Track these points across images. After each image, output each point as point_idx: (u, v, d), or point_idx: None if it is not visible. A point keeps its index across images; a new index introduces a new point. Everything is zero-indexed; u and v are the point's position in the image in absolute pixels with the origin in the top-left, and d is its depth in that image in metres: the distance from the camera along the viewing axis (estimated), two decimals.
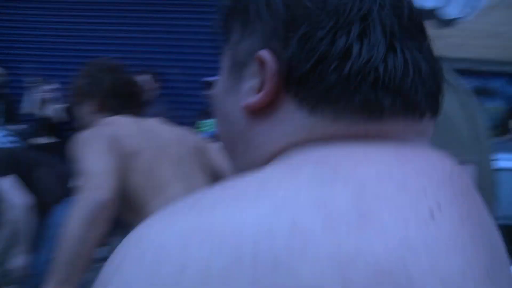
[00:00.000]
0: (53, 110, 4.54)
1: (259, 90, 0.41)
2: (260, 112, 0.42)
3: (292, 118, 0.40)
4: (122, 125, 1.45)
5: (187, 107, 4.79)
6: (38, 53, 5.75)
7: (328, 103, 0.39)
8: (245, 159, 0.45)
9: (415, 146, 0.41)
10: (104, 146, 1.28)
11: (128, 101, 1.57)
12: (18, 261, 2.36)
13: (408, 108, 0.40)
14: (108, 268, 0.33)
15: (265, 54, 0.41)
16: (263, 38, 0.42)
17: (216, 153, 1.64)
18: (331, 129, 0.40)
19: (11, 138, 3.29)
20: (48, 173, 2.48)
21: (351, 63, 0.38)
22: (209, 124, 4.26)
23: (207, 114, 4.28)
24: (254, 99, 0.41)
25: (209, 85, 4.26)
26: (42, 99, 4.65)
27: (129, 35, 5.70)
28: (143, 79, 4.32)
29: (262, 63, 0.41)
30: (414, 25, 0.42)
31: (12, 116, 4.51)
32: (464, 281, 0.33)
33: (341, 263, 0.29)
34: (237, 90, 0.44)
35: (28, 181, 2.39)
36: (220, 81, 0.48)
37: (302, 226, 0.31)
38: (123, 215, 1.33)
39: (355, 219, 0.32)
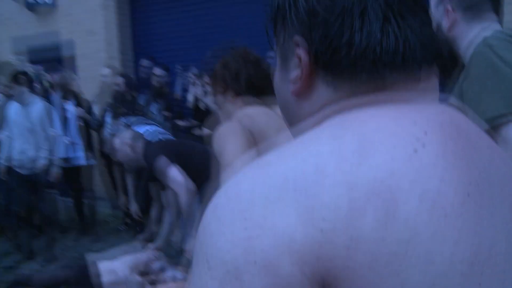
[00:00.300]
0: (195, 96, 5.12)
1: (300, 78, 0.57)
2: (302, 94, 0.58)
3: (323, 96, 0.57)
4: (258, 118, 1.57)
5: None
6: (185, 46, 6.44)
7: (344, 82, 0.55)
8: (296, 126, 0.61)
9: (416, 104, 0.54)
10: (243, 140, 1.43)
11: (262, 93, 1.65)
12: (185, 242, 2.66)
13: (404, 75, 0.54)
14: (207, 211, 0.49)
15: (300, 51, 0.56)
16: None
17: None
18: (350, 101, 0.55)
19: (162, 131, 3.66)
20: (199, 159, 2.77)
21: (354, 49, 0.53)
22: None
23: None
24: (297, 85, 0.58)
25: None
26: (187, 86, 5.29)
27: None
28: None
29: (299, 58, 0.56)
30: (409, 2, 0.55)
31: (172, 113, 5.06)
32: (439, 196, 0.46)
33: (347, 188, 0.45)
34: (287, 79, 0.60)
35: (186, 168, 2.70)
36: (276, 72, 0.64)
37: (322, 167, 0.47)
38: None
39: (356, 159, 0.47)
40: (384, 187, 0.45)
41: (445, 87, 1.58)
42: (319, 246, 0.42)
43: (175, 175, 2.67)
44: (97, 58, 6.96)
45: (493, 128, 1.20)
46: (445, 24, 1.47)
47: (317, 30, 0.54)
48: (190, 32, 6.58)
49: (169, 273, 1.37)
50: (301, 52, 0.56)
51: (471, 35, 1.40)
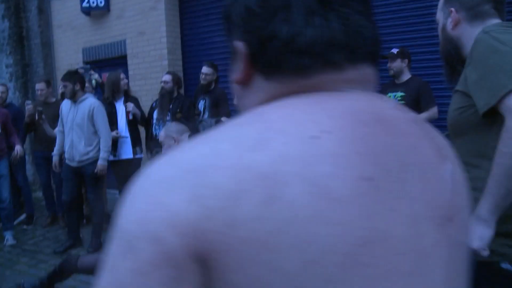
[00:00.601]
0: None
1: (241, 70, 0.61)
2: (245, 84, 0.62)
3: (260, 86, 0.61)
4: None
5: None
6: None
7: (275, 73, 0.59)
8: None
9: (337, 93, 0.57)
10: None
11: None
12: None
13: (326, 65, 0.57)
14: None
15: (238, 44, 0.61)
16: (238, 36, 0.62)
17: None
18: (280, 90, 0.59)
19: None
20: None
21: (280, 42, 0.56)
22: (390, 97, 4.26)
23: (387, 86, 4.41)
24: (237, 76, 0.62)
25: (393, 56, 4.32)
26: None
27: None
28: None
29: (238, 51, 0.61)
30: None
31: (217, 111, 5.20)
32: (330, 180, 0.48)
33: (236, 170, 0.48)
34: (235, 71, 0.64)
35: None
36: (232, 65, 0.66)
37: (218, 151, 0.50)
38: None
39: (252, 145, 0.49)
40: (272, 171, 0.47)
41: (453, 82, 1.62)
42: (201, 221, 0.46)
43: None
44: (146, 57, 7.29)
45: (500, 102, 1.25)
46: (449, 24, 1.58)
47: (250, 24, 0.59)
48: None
49: None
50: (240, 45, 0.60)
51: (474, 35, 1.45)
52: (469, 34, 1.51)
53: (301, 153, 0.49)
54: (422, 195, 0.55)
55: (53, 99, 6.26)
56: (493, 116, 1.30)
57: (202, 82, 5.42)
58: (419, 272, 0.53)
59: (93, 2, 7.67)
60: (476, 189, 1.29)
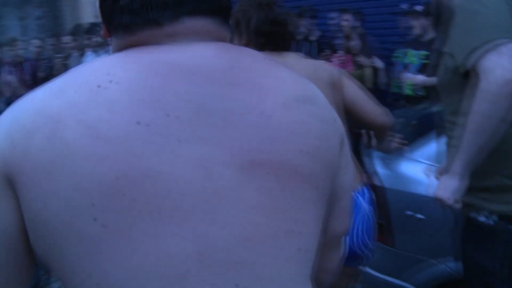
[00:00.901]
0: None
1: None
2: (107, 37, 0.70)
3: (114, 41, 0.68)
4: None
5: (385, 37, 5.00)
6: None
7: (112, 31, 0.67)
8: None
9: (153, 47, 0.64)
10: None
11: (272, 40, 1.62)
12: None
13: (146, 23, 0.63)
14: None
15: (98, 13, 0.69)
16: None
17: (350, 88, 1.77)
18: (118, 45, 0.66)
19: None
20: None
21: (109, 3, 0.64)
22: (412, 55, 4.21)
23: (410, 44, 4.36)
24: (102, 31, 0.71)
25: (408, 13, 4.39)
26: None
27: None
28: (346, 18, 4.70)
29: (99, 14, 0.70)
30: None
31: None
32: (101, 123, 0.56)
33: (35, 113, 0.59)
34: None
35: None
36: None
37: (36, 96, 0.62)
38: None
39: (54, 93, 0.60)
40: (57, 114, 0.57)
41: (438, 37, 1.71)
42: (8, 152, 0.58)
43: None
44: None
45: (475, 64, 1.27)
46: None
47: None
48: None
49: None
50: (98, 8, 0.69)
51: None
52: None
53: (85, 100, 0.58)
54: (221, 140, 0.60)
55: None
56: (474, 77, 1.30)
57: None
58: (208, 211, 0.58)
59: None
60: (457, 146, 1.36)
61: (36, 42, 6.61)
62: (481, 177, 1.38)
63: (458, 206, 1.38)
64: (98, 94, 0.58)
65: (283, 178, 0.62)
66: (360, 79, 3.53)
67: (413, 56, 4.21)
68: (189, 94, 0.60)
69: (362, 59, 4.53)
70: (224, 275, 0.59)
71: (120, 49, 0.66)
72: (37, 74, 5.93)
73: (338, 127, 0.72)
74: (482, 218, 1.42)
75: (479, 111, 1.26)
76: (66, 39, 6.26)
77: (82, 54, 5.69)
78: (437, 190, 1.40)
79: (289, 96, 0.65)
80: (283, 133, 0.63)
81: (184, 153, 0.58)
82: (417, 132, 2.66)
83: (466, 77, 1.33)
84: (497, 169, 1.38)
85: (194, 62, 0.63)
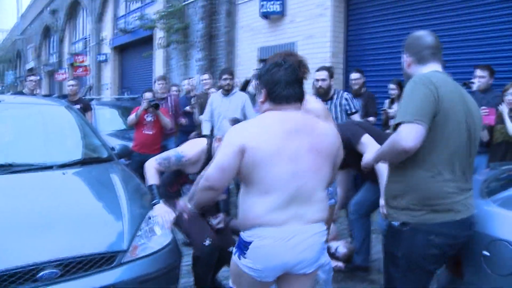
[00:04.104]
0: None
1: (262, 99, 2.22)
2: (263, 103, 2.21)
3: (267, 105, 2.18)
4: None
5: None
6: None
7: (272, 103, 2.17)
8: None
9: (292, 112, 2.15)
10: None
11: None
12: None
13: (286, 103, 2.15)
14: None
15: (263, 91, 2.20)
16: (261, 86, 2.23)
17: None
18: (270, 108, 2.18)
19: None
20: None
21: (276, 95, 2.15)
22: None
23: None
24: (261, 99, 2.22)
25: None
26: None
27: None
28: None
29: (263, 92, 2.20)
30: (296, 78, 2.17)
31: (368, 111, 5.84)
32: (274, 137, 2.05)
33: (243, 138, 2.06)
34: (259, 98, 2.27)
35: None
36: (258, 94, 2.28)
37: (246, 126, 2.19)
38: None
39: (253, 127, 2.13)
40: (256, 137, 2.05)
41: None
42: (243, 143, 2.05)
43: None
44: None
45: (397, 124, 2.09)
46: (405, 64, 2.37)
47: (265, 85, 2.17)
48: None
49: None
50: (263, 91, 2.18)
51: (419, 73, 2.25)
52: (417, 71, 2.28)
53: (263, 131, 2.06)
54: (303, 139, 2.09)
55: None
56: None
57: (353, 87, 5.90)
58: (297, 161, 2.06)
59: (270, 8, 8.63)
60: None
61: (186, 81, 7.70)
62: (397, 201, 2.25)
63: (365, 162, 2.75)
64: (268, 129, 2.08)
65: (320, 155, 2.14)
66: None
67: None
68: (295, 124, 2.10)
69: None
70: (304, 178, 2.08)
71: (269, 109, 2.16)
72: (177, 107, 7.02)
73: (338, 140, 2.25)
74: (395, 223, 2.27)
75: (386, 148, 2.17)
76: (205, 76, 7.22)
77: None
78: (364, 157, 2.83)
79: (322, 130, 2.18)
80: (324, 139, 2.16)
81: (294, 143, 2.07)
82: None
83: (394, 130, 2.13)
84: (405, 196, 2.21)
85: (294, 116, 2.13)
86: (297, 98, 2.16)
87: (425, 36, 2.31)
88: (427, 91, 2.06)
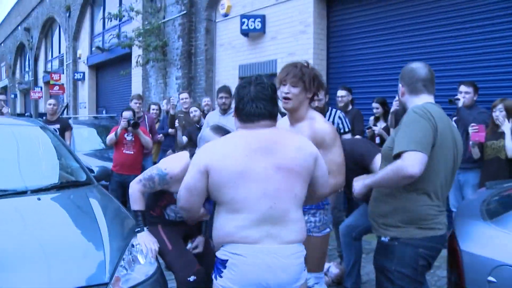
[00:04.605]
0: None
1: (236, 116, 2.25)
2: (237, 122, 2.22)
3: (237, 123, 2.19)
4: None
5: None
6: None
7: (243, 121, 2.15)
8: None
9: (260, 130, 2.11)
10: None
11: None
12: None
13: (257, 120, 2.12)
14: None
15: (234, 107, 2.22)
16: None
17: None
18: (241, 126, 2.17)
19: None
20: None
21: (244, 112, 2.13)
22: None
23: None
24: (234, 115, 2.24)
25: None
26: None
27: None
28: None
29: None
30: (265, 94, 2.13)
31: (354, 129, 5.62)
32: (233, 153, 2.05)
33: (208, 158, 2.09)
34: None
35: None
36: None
37: (212, 146, 2.19)
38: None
39: (218, 147, 2.13)
40: (221, 157, 2.05)
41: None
42: (208, 163, 2.07)
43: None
44: None
45: (398, 153, 2.22)
46: (399, 93, 2.54)
47: (238, 102, 2.16)
48: (382, 65, 7.02)
49: None
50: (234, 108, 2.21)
51: (411, 102, 2.45)
52: (409, 101, 2.48)
53: (230, 150, 2.07)
54: (271, 159, 2.04)
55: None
56: (397, 158, 2.24)
57: (339, 104, 5.82)
58: (265, 181, 2.03)
59: (251, 25, 8.58)
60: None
61: (165, 101, 7.56)
62: (385, 219, 2.41)
63: (356, 193, 2.55)
64: (234, 147, 2.09)
65: (290, 173, 2.08)
66: None
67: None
68: (264, 142, 2.07)
69: None
70: (274, 198, 2.03)
71: (241, 128, 2.15)
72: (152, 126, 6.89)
73: (312, 155, 2.15)
74: (384, 239, 2.42)
75: (389, 175, 2.26)
76: (184, 95, 7.11)
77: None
78: (355, 184, 2.56)
79: (293, 146, 2.11)
80: (290, 159, 2.08)
81: (261, 162, 2.04)
82: None
83: (395, 157, 2.27)
84: (394, 216, 2.37)
85: (265, 133, 2.10)
86: (266, 115, 2.11)
87: (419, 68, 2.47)
88: (427, 123, 2.24)
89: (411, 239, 2.33)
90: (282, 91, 2.61)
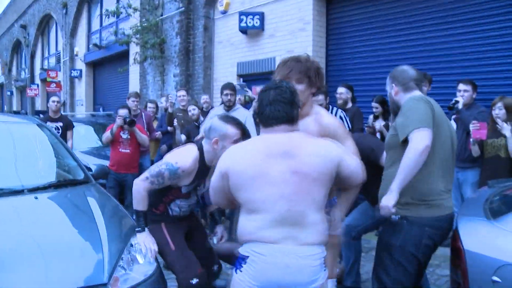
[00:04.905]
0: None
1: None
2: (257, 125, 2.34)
3: (261, 128, 2.25)
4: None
5: None
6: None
7: (263, 125, 2.22)
8: None
9: (278, 135, 2.16)
10: None
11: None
12: None
13: (276, 124, 2.17)
14: None
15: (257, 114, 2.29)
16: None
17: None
18: (263, 131, 2.23)
19: None
20: None
21: (264, 116, 2.20)
22: None
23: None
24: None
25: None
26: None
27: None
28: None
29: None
30: (284, 97, 2.17)
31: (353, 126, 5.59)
32: (253, 160, 2.12)
33: (230, 161, 2.19)
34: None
35: None
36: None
37: (238, 146, 2.33)
38: None
39: (238, 149, 2.26)
40: (238, 161, 2.15)
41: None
42: (228, 167, 2.17)
43: None
44: None
45: (407, 136, 2.44)
46: (392, 93, 2.77)
47: (259, 109, 2.22)
48: (381, 62, 7.00)
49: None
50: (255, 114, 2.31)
51: (405, 99, 2.65)
52: (403, 99, 2.68)
53: (246, 153, 2.17)
54: (287, 163, 2.08)
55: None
56: (405, 143, 2.45)
57: (338, 101, 5.79)
58: (282, 185, 2.07)
59: (250, 22, 8.53)
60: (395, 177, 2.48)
61: (164, 98, 7.49)
62: (398, 199, 2.43)
63: (394, 211, 2.41)
64: (250, 150, 2.18)
65: (306, 178, 2.10)
66: None
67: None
68: (279, 146, 2.12)
69: None
70: (291, 202, 2.07)
71: (262, 132, 2.21)
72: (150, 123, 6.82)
73: (333, 161, 2.16)
74: (394, 218, 2.54)
75: (407, 157, 2.39)
76: (181, 92, 7.06)
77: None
78: (384, 202, 2.42)
79: (310, 151, 2.13)
80: (309, 159, 2.10)
81: (269, 167, 2.10)
82: None
83: (402, 142, 2.50)
84: (406, 194, 2.47)
85: (282, 137, 2.15)
86: (284, 119, 2.16)
87: (409, 69, 2.77)
88: (426, 105, 2.50)
89: (419, 218, 2.50)
90: None
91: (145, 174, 2.79)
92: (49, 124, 6.66)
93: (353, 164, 2.25)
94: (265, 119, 2.18)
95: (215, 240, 3.17)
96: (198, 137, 5.87)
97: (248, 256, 2.10)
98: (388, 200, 2.39)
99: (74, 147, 6.87)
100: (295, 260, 2.05)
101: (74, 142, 7.07)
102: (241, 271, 2.11)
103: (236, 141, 2.67)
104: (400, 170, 2.40)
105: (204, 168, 2.90)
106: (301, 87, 2.51)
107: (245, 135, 2.76)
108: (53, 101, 7.02)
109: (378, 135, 5.73)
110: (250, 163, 2.10)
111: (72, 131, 7.00)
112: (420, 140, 2.36)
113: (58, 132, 6.71)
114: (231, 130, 2.77)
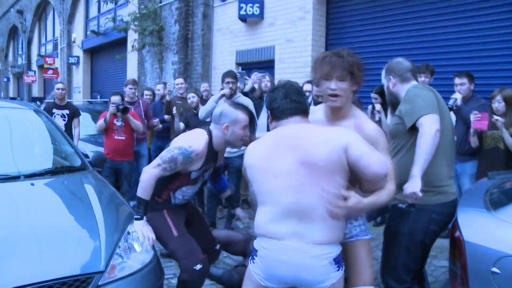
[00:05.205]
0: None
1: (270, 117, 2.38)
2: (271, 122, 2.34)
3: (273, 122, 2.31)
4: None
5: None
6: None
7: (276, 118, 2.29)
8: None
9: (287, 127, 2.21)
10: None
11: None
12: None
13: (289, 117, 2.24)
14: None
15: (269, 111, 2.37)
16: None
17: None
18: (274, 125, 2.30)
19: None
20: None
21: (276, 109, 2.28)
22: None
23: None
24: (269, 119, 2.36)
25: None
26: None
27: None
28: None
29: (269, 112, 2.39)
30: (295, 90, 2.30)
31: None
32: (257, 150, 2.24)
33: (249, 154, 2.30)
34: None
35: None
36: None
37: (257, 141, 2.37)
38: None
39: (259, 143, 2.29)
40: (251, 155, 2.26)
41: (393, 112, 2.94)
42: (245, 163, 2.31)
43: None
44: (292, 63, 7.82)
45: (416, 121, 2.52)
46: (390, 85, 2.85)
47: (271, 104, 2.30)
48: (381, 53, 6.93)
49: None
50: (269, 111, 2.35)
51: (403, 90, 2.77)
52: (401, 90, 2.79)
53: (261, 146, 2.23)
54: (294, 154, 2.07)
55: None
56: (412, 129, 2.58)
57: None
58: (288, 176, 2.06)
59: (249, 11, 8.45)
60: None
61: (161, 86, 7.42)
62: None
63: (420, 195, 2.43)
64: (263, 144, 2.23)
65: (314, 168, 2.05)
66: None
67: None
68: (287, 139, 2.14)
69: None
70: (299, 193, 2.04)
71: (274, 127, 2.26)
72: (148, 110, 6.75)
73: (341, 146, 2.03)
74: (402, 206, 2.66)
75: (422, 142, 2.47)
76: (179, 80, 6.99)
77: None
78: (410, 189, 2.44)
79: (318, 139, 2.08)
80: (313, 154, 2.05)
81: (283, 158, 2.10)
82: None
83: (409, 129, 2.60)
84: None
85: (293, 129, 2.18)
86: (298, 109, 2.24)
87: (403, 61, 2.85)
88: (430, 93, 2.62)
89: (426, 205, 2.60)
90: (328, 87, 2.27)
91: (157, 161, 2.74)
92: (55, 111, 6.60)
93: (363, 149, 2.04)
94: (279, 112, 2.24)
95: (240, 224, 3.30)
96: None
97: (257, 250, 2.14)
98: (414, 187, 2.41)
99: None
100: (301, 259, 2.02)
101: None
102: (253, 262, 2.17)
103: (245, 127, 2.81)
104: (418, 155, 2.47)
105: (212, 153, 2.89)
106: (344, 85, 2.27)
107: (252, 121, 2.87)
108: (58, 88, 6.86)
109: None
110: (259, 157, 2.18)
111: (79, 119, 6.84)
112: (431, 125, 2.46)
113: (64, 120, 6.64)
114: (241, 116, 2.83)
